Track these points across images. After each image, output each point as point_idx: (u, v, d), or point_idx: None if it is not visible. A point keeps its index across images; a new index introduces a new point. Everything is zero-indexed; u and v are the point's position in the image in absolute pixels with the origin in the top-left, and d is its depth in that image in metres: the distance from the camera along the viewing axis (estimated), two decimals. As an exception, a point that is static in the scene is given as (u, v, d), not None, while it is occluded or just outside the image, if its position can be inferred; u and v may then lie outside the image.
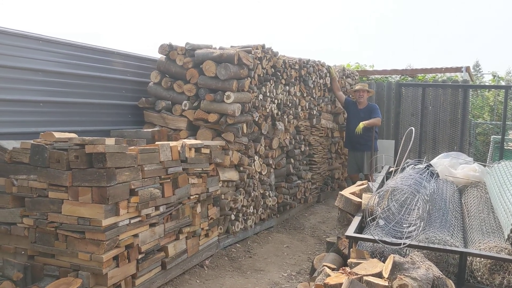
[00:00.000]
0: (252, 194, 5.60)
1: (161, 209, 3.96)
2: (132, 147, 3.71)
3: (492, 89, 9.63)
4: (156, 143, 4.17)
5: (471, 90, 9.21)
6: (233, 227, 5.29)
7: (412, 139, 4.64)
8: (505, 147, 7.71)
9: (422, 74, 10.35)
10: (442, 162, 6.01)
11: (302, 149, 7.07)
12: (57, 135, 3.63)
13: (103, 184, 3.30)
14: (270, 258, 5.12)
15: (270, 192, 6.11)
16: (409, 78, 10.47)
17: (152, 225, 3.89)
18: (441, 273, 3.45)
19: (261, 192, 5.86)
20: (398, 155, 4.82)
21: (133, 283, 3.72)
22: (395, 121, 8.91)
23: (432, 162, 5.96)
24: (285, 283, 4.47)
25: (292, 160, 6.76)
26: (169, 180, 4.07)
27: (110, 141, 3.38)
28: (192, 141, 4.52)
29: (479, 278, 3.74)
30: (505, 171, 4.99)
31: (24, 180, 3.57)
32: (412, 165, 5.51)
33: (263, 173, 5.88)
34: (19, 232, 3.62)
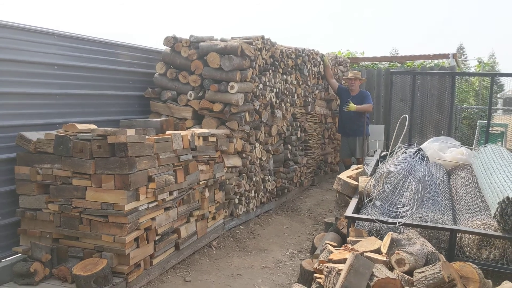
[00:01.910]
0: (254, 179, 5.91)
1: (175, 194, 4.24)
2: (149, 137, 3.97)
3: (476, 76, 10.01)
4: (167, 132, 4.44)
5: (463, 76, 9.60)
6: (237, 210, 5.60)
7: (407, 125, 4.95)
8: (490, 131, 8.10)
9: (411, 61, 10.69)
10: (432, 146, 6.37)
11: (298, 135, 7.38)
12: (79, 126, 3.88)
13: (125, 172, 3.57)
14: (272, 239, 5.44)
15: (269, 176, 6.42)
16: (398, 65, 10.79)
17: (167, 209, 4.18)
18: (434, 248, 3.80)
19: (261, 177, 6.17)
20: (392, 140, 5.14)
21: (151, 263, 4.02)
22: (386, 107, 9.25)
23: (422, 146, 6.31)
24: (288, 261, 4.80)
25: (289, 146, 7.07)
26: (181, 167, 4.35)
27: (130, 131, 3.64)
28: (200, 130, 4.79)
29: (467, 253, 4.10)
30: (491, 154, 5.35)
31: (49, 168, 3.82)
32: (404, 149, 5.84)
33: (263, 159, 6.18)
34: (45, 217, 3.88)
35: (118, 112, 5.35)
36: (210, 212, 4.97)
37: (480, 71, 11.43)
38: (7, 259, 4.00)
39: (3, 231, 4.01)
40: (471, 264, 3.49)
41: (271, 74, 6.13)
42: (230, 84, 5.19)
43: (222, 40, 5.58)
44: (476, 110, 9.95)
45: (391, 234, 3.69)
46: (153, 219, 3.98)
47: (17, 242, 4.05)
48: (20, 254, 3.99)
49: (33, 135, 3.94)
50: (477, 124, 8.01)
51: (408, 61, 10.73)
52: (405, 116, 5.07)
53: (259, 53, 5.69)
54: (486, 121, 7.23)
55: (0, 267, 3.87)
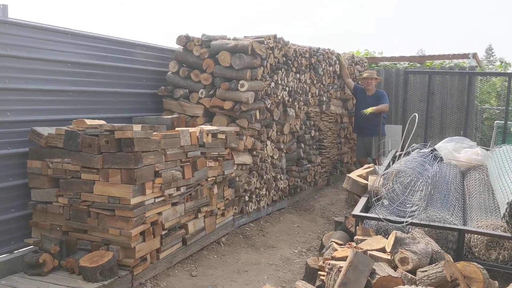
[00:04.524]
0: (265, 177, 5.94)
1: (182, 189, 4.31)
2: (156, 133, 4.05)
3: (492, 76, 9.84)
4: (176, 129, 4.52)
5: (479, 76, 9.41)
6: (247, 207, 5.64)
7: (416, 124, 4.91)
8: None
9: (430, 61, 10.55)
10: (446, 147, 6.28)
11: (312, 134, 7.38)
12: (88, 122, 3.99)
13: (131, 167, 3.65)
14: (281, 237, 5.47)
15: (281, 175, 6.44)
16: (418, 65, 10.66)
17: (174, 204, 4.25)
18: (440, 247, 3.76)
19: (273, 175, 6.20)
20: (402, 140, 5.10)
21: (157, 257, 4.10)
22: (403, 106, 9.17)
23: (436, 146, 6.24)
24: (296, 259, 4.82)
25: (303, 145, 7.08)
26: (189, 163, 4.41)
27: (137, 127, 3.72)
28: (209, 127, 4.85)
29: (476, 254, 4.05)
30: (505, 154, 5.26)
31: (59, 163, 3.93)
32: (418, 149, 5.79)
33: (275, 157, 6.21)
34: (55, 210, 3.99)
35: (131, 110, 5.45)
36: (219, 208, 5.02)
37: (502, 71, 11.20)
38: (19, 250, 4.14)
39: (16, 223, 4.15)
40: (475, 264, 3.45)
41: (284, 73, 6.15)
42: (240, 82, 5.24)
43: (234, 39, 5.63)
44: (497, 111, 9.76)
45: (396, 233, 3.67)
46: (159, 213, 4.05)
47: (29, 234, 4.18)
48: (31, 246, 4.11)
49: (44, 130, 4.06)
50: (494, 124, 7.86)
51: (427, 61, 10.59)
52: (415, 115, 5.02)
53: (271, 52, 5.72)
54: (503, 122, 7.09)
55: (13, 258, 4.02)
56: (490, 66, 14.32)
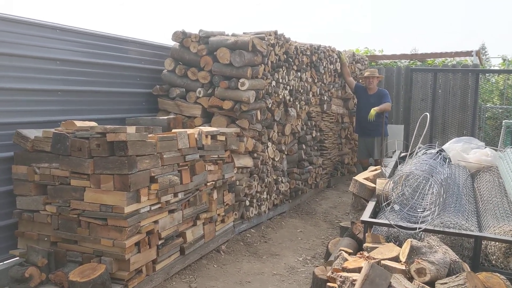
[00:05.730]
0: (266, 180, 5.66)
1: (180, 195, 4.02)
2: (151, 135, 3.76)
3: (502, 73, 9.62)
4: (173, 130, 4.22)
5: (480, 74, 9.17)
6: (248, 212, 5.36)
7: (427, 124, 4.66)
8: None
9: (432, 59, 10.31)
10: (454, 147, 6.03)
11: (314, 135, 7.11)
12: (78, 123, 3.69)
13: (124, 172, 3.36)
14: (284, 243, 5.19)
15: (282, 178, 6.16)
16: (419, 63, 10.42)
17: (171, 211, 3.96)
18: (457, 257, 3.50)
19: (274, 178, 5.92)
20: (412, 141, 4.85)
21: (153, 268, 3.80)
22: (406, 106, 8.93)
23: (444, 147, 5.98)
24: (301, 267, 4.54)
25: (304, 146, 6.81)
26: (187, 167, 4.12)
27: (131, 129, 3.42)
28: (208, 129, 4.56)
29: (494, 262, 3.79)
30: (518, 155, 5.01)
31: (46, 168, 3.64)
32: (424, 150, 5.54)
33: (276, 159, 5.93)
34: (42, 219, 3.69)
35: (124, 110, 5.16)
36: (218, 214, 4.74)
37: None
38: (4, 262, 3.84)
39: (0, 233, 3.85)
40: (498, 274, 3.18)
41: (285, 71, 5.88)
42: (241, 80, 4.96)
43: (233, 35, 5.35)
44: (501, 110, 9.53)
45: (411, 241, 3.41)
46: (155, 222, 3.76)
47: (15, 245, 3.88)
48: (17, 258, 3.81)
49: (31, 133, 3.76)
50: (503, 124, 7.62)
51: (428, 59, 10.35)
52: (426, 115, 4.76)
53: (272, 48, 5.44)
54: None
55: (-3, 271, 3.71)
56: (486, 66, 14.11)
